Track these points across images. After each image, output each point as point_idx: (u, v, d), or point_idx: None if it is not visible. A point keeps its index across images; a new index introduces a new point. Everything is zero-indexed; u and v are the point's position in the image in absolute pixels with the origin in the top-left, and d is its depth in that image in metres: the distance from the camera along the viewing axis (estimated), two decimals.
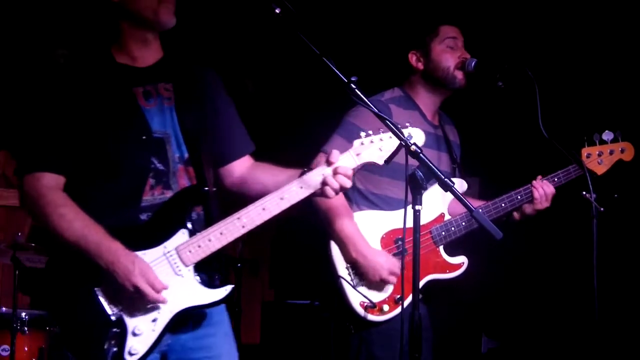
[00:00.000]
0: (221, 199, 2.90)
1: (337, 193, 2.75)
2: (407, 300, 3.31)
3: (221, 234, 2.70)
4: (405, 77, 3.68)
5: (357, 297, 3.33)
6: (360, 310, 3.33)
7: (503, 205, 3.53)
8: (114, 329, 2.61)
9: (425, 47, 3.59)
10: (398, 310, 3.36)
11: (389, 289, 3.38)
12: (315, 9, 4.54)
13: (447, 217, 3.51)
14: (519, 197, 3.54)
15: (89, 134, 2.70)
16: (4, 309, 4.56)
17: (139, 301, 2.63)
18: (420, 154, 2.63)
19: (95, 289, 2.63)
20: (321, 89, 4.52)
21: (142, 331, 2.63)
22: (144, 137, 2.74)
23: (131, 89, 2.78)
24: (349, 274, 3.35)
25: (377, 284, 3.36)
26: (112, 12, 2.80)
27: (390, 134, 2.73)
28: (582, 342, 4.12)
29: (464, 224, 3.47)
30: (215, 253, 2.73)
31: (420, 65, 3.61)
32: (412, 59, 3.62)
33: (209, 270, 2.78)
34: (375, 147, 2.79)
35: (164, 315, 2.65)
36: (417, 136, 2.68)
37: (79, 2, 4.55)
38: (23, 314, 4.41)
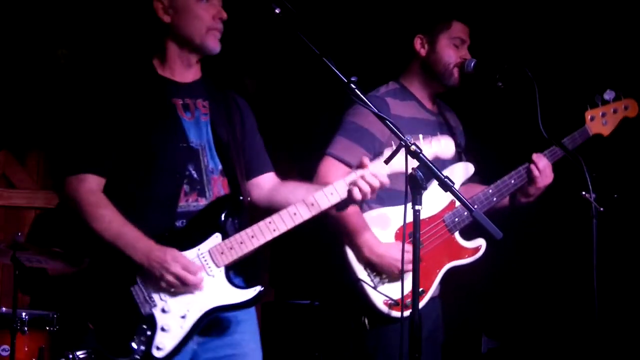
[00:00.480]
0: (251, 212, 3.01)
1: (364, 195, 2.83)
2: (428, 294, 3.42)
3: (253, 237, 2.82)
4: (404, 67, 3.66)
5: (379, 297, 3.34)
6: (385, 309, 3.35)
7: (498, 190, 3.51)
8: (144, 325, 2.73)
9: (433, 35, 3.58)
10: (421, 303, 3.38)
11: (409, 284, 3.37)
12: (315, 9, 4.54)
13: (458, 203, 3.50)
14: (512, 181, 3.53)
15: (129, 138, 2.82)
16: (4, 309, 4.55)
17: (176, 294, 2.74)
18: (420, 154, 2.63)
19: (132, 287, 2.77)
20: (321, 89, 4.52)
21: (171, 327, 2.74)
22: (181, 145, 2.86)
23: (171, 99, 2.91)
24: (368, 275, 3.36)
25: (398, 280, 3.36)
26: (160, 30, 2.92)
27: (419, 142, 2.82)
28: (582, 342, 4.12)
29: (475, 206, 3.47)
30: (246, 255, 2.83)
31: (423, 52, 3.60)
32: (417, 42, 3.60)
33: (240, 271, 2.91)
34: (403, 155, 2.83)
35: (193, 312, 2.77)
36: (447, 146, 2.82)
37: (125, 10, 4.59)
38: (23, 314, 4.40)
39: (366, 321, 3.38)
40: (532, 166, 3.49)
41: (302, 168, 3.57)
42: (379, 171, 2.86)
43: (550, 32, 5.05)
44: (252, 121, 3.16)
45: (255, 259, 2.92)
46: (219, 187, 2.92)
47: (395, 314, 3.34)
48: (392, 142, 2.75)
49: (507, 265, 5.24)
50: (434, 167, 2.65)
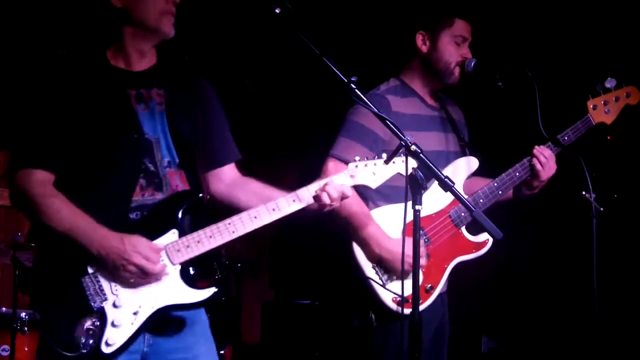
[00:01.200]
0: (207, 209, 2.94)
1: (327, 205, 2.79)
2: (437, 290, 3.42)
3: (211, 237, 2.75)
4: (405, 63, 3.66)
5: (388, 294, 3.34)
6: (394, 306, 3.33)
7: (503, 183, 3.50)
8: (94, 319, 2.65)
9: (434, 32, 3.57)
10: (430, 300, 3.38)
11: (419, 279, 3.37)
12: (315, 9, 4.54)
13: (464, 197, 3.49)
14: (517, 174, 3.52)
15: (82, 132, 2.75)
16: (4, 309, 4.56)
17: (128, 287, 2.67)
18: (421, 154, 2.63)
19: (82, 278, 2.68)
20: (321, 89, 4.52)
21: (122, 323, 2.66)
22: (135, 136, 2.79)
23: (125, 90, 2.83)
24: (377, 273, 3.36)
25: (407, 277, 3.36)
26: (114, 17, 2.85)
27: (385, 159, 2.83)
28: (582, 342, 4.12)
29: (481, 200, 3.47)
30: (203, 255, 2.77)
31: (424, 49, 3.59)
32: (419, 38, 3.59)
33: (196, 271, 2.82)
34: (369, 171, 2.87)
35: (145, 309, 2.69)
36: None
37: (77, 2, 4.57)
38: (23, 314, 4.41)
39: (373, 317, 3.38)
40: (535, 160, 3.49)
41: (303, 168, 3.56)
42: (343, 182, 2.84)
43: (550, 28, 5.05)
44: (216, 106, 3.04)
45: (211, 259, 2.89)
46: (176, 181, 2.84)
47: (407, 310, 3.34)
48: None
49: (507, 265, 5.24)
50: (434, 167, 2.64)
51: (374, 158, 2.88)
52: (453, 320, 3.64)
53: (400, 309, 3.31)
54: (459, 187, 3.47)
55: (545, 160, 3.48)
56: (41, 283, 2.71)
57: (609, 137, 3.63)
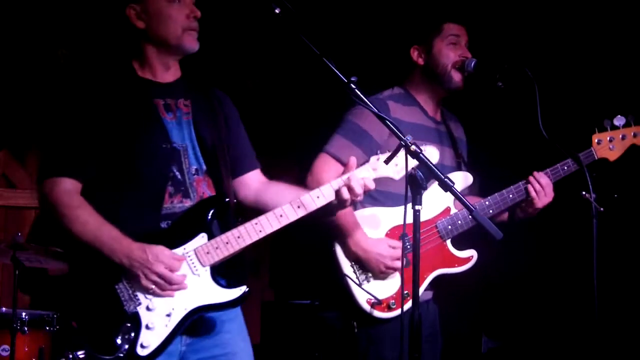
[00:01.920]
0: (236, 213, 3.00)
1: (351, 199, 2.86)
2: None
3: (239, 237, 2.81)
4: (406, 75, 3.68)
5: (363, 294, 3.33)
6: (367, 307, 3.33)
7: (495, 203, 3.51)
8: (129, 323, 2.72)
9: (427, 43, 3.59)
10: (405, 306, 3.36)
11: (396, 285, 3.37)
12: (315, 9, 4.54)
13: (454, 210, 3.50)
14: (510, 195, 3.52)
15: (111, 141, 2.80)
16: (4, 309, 4.55)
17: (157, 291, 2.72)
18: (421, 154, 2.64)
19: (116, 285, 2.75)
20: (321, 89, 4.52)
21: (156, 325, 2.72)
22: (164, 146, 2.85)
23: (152, 100, 2.89)
24: (354, 272, 3.36)
25: (384, 280, 3.36)
26: (136, 36, 2.91)
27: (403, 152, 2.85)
28: (582, 342, 4.12)
29: (470, 217, 3.46)
30: (232, 255, 2.82)
31: (421, 61, 3.61)
32: (414, 53, 3.62)
33: (226, 272, 2.89)
34: (392, 162, 2.90)
35: (178, 311, 2.75)
36: (430, 154, 2.80)
37: (101, 15, 4.60)
38: (23, 314, 4.40)
39: (355, 323, 3.38)
40: (530, 186, 3.48)
41: (302, 168, 3.56)
42: (365, 175, 2.88)
43: (551, 32, 5.05)
44: (236, 116, 3.13)
45: (241, 259, 2.92)
46: (203, 187, 2.91)
47: (378, 313, 3.34)
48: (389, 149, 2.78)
49: (507, 265, 5.24)
50: (434, 167, 2.65)
51: (386, 152, 2.89)
52: (453, 320, 3.64)
53: (373, 311, 3.32)
54: (451, 199, 3.48)
55: (540, 188, 3.48)
56: (77, 292, 2.77)
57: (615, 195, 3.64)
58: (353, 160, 2.90)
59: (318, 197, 2.86)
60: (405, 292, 3.34)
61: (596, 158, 3.56)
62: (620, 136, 3.58)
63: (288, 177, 3.22)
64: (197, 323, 2.82)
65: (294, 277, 6.28)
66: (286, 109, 6.20)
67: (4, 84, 5.34)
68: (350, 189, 2.84)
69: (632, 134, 3.59)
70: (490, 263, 3.58)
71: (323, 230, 3.40)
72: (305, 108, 6.05)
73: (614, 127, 3.58)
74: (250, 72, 6.04)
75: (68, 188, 2.78)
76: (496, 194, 3.52)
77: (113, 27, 3.00)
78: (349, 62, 2.90)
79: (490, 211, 3.48)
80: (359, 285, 3.33)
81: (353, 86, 2.69)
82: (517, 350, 5.27)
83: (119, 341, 2.70)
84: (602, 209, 3.39)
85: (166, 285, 2.73)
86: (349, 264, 3.36)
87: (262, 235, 2.83)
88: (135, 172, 2.80)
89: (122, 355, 2.69)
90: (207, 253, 2.79)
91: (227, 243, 2.80)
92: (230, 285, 2.84)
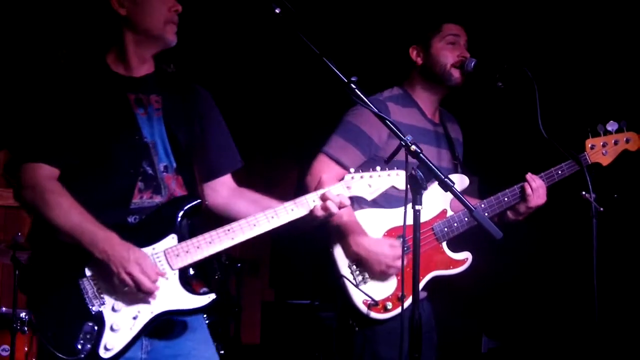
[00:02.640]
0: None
1: (324, 215, 2.84)
2: (409, 299, 3.35)
3: (210, 242, 2.76)
4: (406, 75, 3.68)
5: (359, 295, 3.33)
6: (364, 308, 3.33)
7: (493, 204, 3.51)
8: (92, 323, 2.63)
9: (426, 42, 3.60)
10: (399, 308, 3.36)
11: (393, 287, 3.37)
12: (315, 9, 4.54)
13: (450, 212, 3.50)
14: (505, 198, 3.53)
15: (82, 132, 2.75)
16: (4, 309, 4.55)
17: (128, 294, 2.65)
18: (421, 154, 2.64)
19: (80, 280, 2.66)
20: (321, 89, 4.52)
21: (120, 327, 2.65)
22: (136, 138, 2.80)
23: (125, 94, 2.85)
24: (352, 273, 3.36)
25: (381, 281, 3.36)
26: (117, 23, 2.86)
27: (379, 172, 2.90)
28: (582, 342, 4.12)
29: (466, 219, 3.46)
30: (201, 261, 2.77)
31: (420, 60, 3.61)
32: (413, 53, 3.63)
33: (194, 277, 2.82)
34: (364, 182, 2.91)
35: (144, 314, 2.68)
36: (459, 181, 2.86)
37: (79, 5, 4.57)
38: (23, 314, 4.40)
39: (354, 323, 3.38)
40: (526, 184, 3.49)
41: (302, 168, 3.56)
42: (340, 192, 2.87)
43: (551, 32, 5.05)
44: (214, 114, 3.06)
45: (210, 265, 2.89)
46: (173, 185, 2.85)
47: (374, 315, 3.33)
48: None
49: (507, 265, 5.24)
50: (434, 167, 2.65)
51: (369, 170, 2.92)
52: (453, 320, 3.64)
53: (370, 312, 3.32)
54: (447, 201, 3.49)
55: (535, 186, 3.48)
56: (37, 283, 2.69)
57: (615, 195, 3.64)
58: (325, 178, 2.89)
59: (292, 209, 2.83)
60: (401, 294, 3.34)
61: (589, 163, 3.58)
62: (613, 141, 3.60)
63: (287, 179, 3.22)
64: (161, 327, 2.74)
65: (294, 277, 6.28)
66: (286, 109, 6.21)
67: (4, 84, 5.34)
68: (324, 207, 2.83)
69: (625, 139, 3.62)
70: (490, 263, 3.58)
71: (322, 231, 3.39)
72: (305, 108, 6.05)
73: (607, 132, 3.61)
74: (250, 73, 6.04)
75: (48, 174, 2.73)
76: (492, 197, 3.53)
77: (93, 13, 2.95)
78: (349, 62, 2.90)
79: (486, 214, 3.49)
80: (356, 286, 3.33)
81: (353, 86, 2.69)
82: (517, 350, 5.28)
83: (80, 342, 2.60)
84: (602, 209, 3.39)
85: (135, 289, 2.64)
86: (347, 264, 3.36)
87: (233, 242, 2.78)
88: (106, 165, 2.74)
89: (83, 356, 2.59)
90: (177, 256, 2.72)
91: (198, 247, 2.74)
92: (198, 291, 2.77)
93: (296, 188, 3.19)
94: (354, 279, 3.35)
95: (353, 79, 2.69)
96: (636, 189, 4.55)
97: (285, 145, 6.33)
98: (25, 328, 4.38)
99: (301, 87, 5.88)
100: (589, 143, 3.60)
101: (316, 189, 2.88)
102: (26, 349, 4.42)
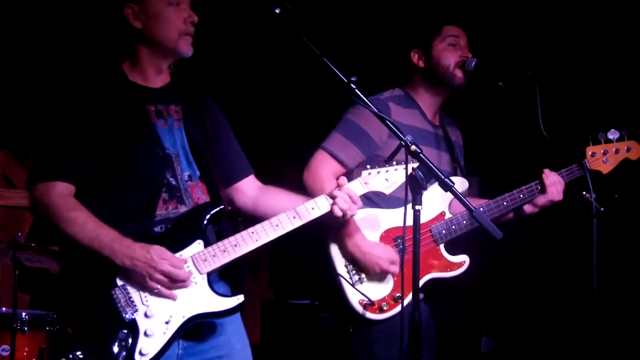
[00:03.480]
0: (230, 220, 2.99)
1: (345, 212, 2.89)
2: (407, 299, 3.30)
3: (236, 245, 2.80)
4: (407, 78, 3.68)
5: (356, 295, 3.33)
6: (359, 308, 3.33)
7: (505, 203, 3.52)
8: (126, 330, 2.68)
9: (427, 45, 3.60)
10: (397, 309, 3.36)
11: (389, 287, 3.37)
12: (315, 9, 4.54)
13: (448, 215, 3.50)
14: (521, 195, 3.53)
15: (104, 146, 2.77)
16: (4, 309, 4.54)
17: (160, 298, 2.70)
18: (421, 154, 2.64)
19: (112, 290, 2.71)
20: (322, 89, 4.52)
21: (154, 332, 2.69)
22: (157, 152, 2.82)
23: (144, 105, 2.86)
24: (348, 272, 3.35)
25: (378, 282, 3.36)
26: (131, 36, 2.88)
27: (395, 167, 2.93)
28: (582, 342, 4.12)
29: (465, 222, 3.46)
30: (229, 264, 2.81)
31: (422, 63, 3.61)
32: (414, 57, 3.63)
33: (223, 279, 2.89)
34: (381, 177, 2.96)
35: (176, 318, 2.73)
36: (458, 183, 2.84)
37: (94, 16, 4.58)
38: (23, 314, 4.40)
39: (350, 325, 3.38)
40: (544, 176, 3.50)
41: (304, 168, 3.56)
42: (357, 189, 2.92)
43: (551, 32, 5.05)
44: (224, 122, 3.11)
45: (238, 267, 2.91)
46: (198, 193, 2.88)
47: (370, 315, 3.33)
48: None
49: (507, 265, 5.24)
50: (434, 168, 2.65)
51: (375, 167, 2.95)
52: (453, 320, 3.64)
53: (366, 312, 3.32)
54: (446, 204, 3.49)
55: (553, 180, 3.48)
56: (70, 295, 2.72)
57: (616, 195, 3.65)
58: (342, 178, 2.93)
59: (313, 208, 2.88)
60: (397, 295, 3.34)
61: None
62: (614, 150, 3.61)
63: (287, 179, 3.22)
64: (194, 327, 2.80)
65: (294, 277, 6.28)
66: (286, 109, 6.20)
67: (4, 84, 5.34)
68: (345, 203, 2.88)
69: (626, 148, 3.63)
70: (490, 263, 3.58)
71: (320, 230, 3.39)
72: (305, 108, 6.04)
73: (608, 141, 3.61)
74: (250, 73, 6.03)
75: (62, 191, 2.74)
76: (506, 194, 3.52)
77: (108, 26, 2.96)
78: (349, 62, 2.90)
79: (505, 203, 3.49)
80: (352, 285, 3.33)
81: (353, 86, 2.69)
82: (517, 350, 5.27)
83: (116, 349, 2.66)
84: (602, 209, 3.39)
85: (171, 283, 2.70)
86: (343, 263, 3.36)
87: (258, 244, 2.83)
88: (129, 179, 2.77)
89: None
90: (204, 260, 2.77)
91: (224, 251, 2.78)
92: (227, 293, 2.83)
93: (299, 189, 3.19)
94: (350, 278, 3.34)
95: (353, 79, 2.69)
96: (636, 189, 4.55)
97: (286, 146, 6.32)
98: (25, 328, 4.38)
99: (301, 87, 5.88)
100: (589, 150, 3.61)
101: (337, 185, 2.91)
102: (26, 349, 4.41)
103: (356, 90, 2.70)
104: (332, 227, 3.35)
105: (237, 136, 3.13)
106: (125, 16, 2.85)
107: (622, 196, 3.69)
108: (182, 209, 2.83)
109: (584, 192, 3.41)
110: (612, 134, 3.61)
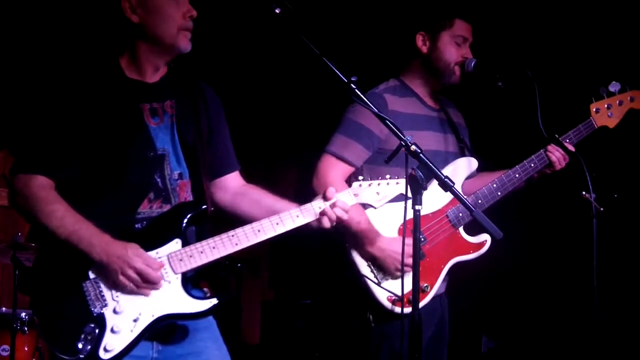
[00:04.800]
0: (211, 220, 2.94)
1: (333, 224, 2.82)
2: (433, 290, 3.40)
3: (214, 248, 2.75)
4: (405, 64, 3.66)
5: (383, 293, 3.33)
6: (388, 304, 3.33)
7: (517, 176, 3.51)
8: (93, 324, 2.64)
9: (435, 33, 3.57)
10: (426, 299, 3.37)
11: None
12: (315, 9, 4.54)
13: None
14: (532, 165, 3.52)
15: (92, 144, 2.73)
16: (4, 309, 4.55)
17: (130, 295, 2.66)
18: (421, 154, 2.64)
19: (83, 283, 2.67)
20: (321, 89, 4.52)
21: (121, 329, 2.65)
22: (147, 153, 2.78)
23: (138, 105, 2.82)
24: (372, 272, 3.35)
25: (399, 276, 3.35)
26: (129, 31, 2.83)
27: (388, 180, 2.86)
28: (582, 342, 4.12)
29: (479, 202, 3.46)
30: (205, 266, 2.76)
31: (424, 49, 3.59)
32: (419, 39, 3.59)
33: (197, 281, 2.83)
34: (372, 190, 2.89)
35: (145, 317, 2.68)
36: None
37: (92, 10, 4.57)
38: (23, 314, 4.41)
39: (371, 317, 3.38)
40: (549, 154, 3.51)
41: (302, 168, 3.56)
42: (346, 200, 2.85)
43: (551, 32, 5.05)
44: (220, 114, 3.05)
45: (218, 270, 2.88)
46: (187, 192, 2.86)
47: (400, 310, 3.33)
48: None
49: (507, 265, 5.24)
50: (434, 167, 2.65)
51: (378, 178, 2.90)
52: (453, 320, 3.64)
53: (395, 307, 3.32)
54: (458, 186, 3.47)
55: (559, 155, 3.50)
56: (41, 285, 2.69)
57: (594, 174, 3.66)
58: (332, 190, 2.85)
59: (297, 216, 2.81)
60: (425, 285, 3.35)
61: (596, 127, 3.58)
62: (618, 102, 3.58)
63: (287, 179, 3.22)
64: (169, 330, 2.75)
65: (294, 277, 6.29)
66: (286, 109, 6.21)
67: (4, 84, 5.34)
68: (331, 215, 2.80)
69: (629, 98, 3.60)
70: (490, 263, 3.58)
71: (332, 233, 3.39)
72: (305, 108, 6.05)
73: (610, 94, 3.59)
74: (249, 73, 6.04)
75: (43, 184, 2.71)
76: (517, 165, 3.52)
77: (105, 20, 2.93)
78: (349, 63, 2.90)
79: (517, 175, 3.50)
80: (378, 284, 3.33)
81: (353, 86, 2.69)
82: (517, 350, 5.28)
83: (81, 342, 2.61)
84: (602, 209, 3.39)
85: (141, 282, 2.66)
86: (366, 264, 3.36)
87: (237, 248, 2.78)
88: (117, 180, 2.74)
89: (83, 356, 2.60)
90: (180, 260, 2.72)
91: (201, 252, 2.74)
92: (200, 295, 2.78)
93: (296, 188, 3.19)
94: (375, 277, 3.35)
95: (353, 79, 2.68)
96: (636, 189, 4.55)
97: (285, 146, 6.33)
98: (25, 328, 4.38)
99: (301, 87, 5.88)
100: (593, 107, 3.58)
101: (323, 195, 2.85)
102: (26, 349, 4.42)
103: (356, 90, 2.70)
104: (347, 230, 3.34)
105: (234, 137, 3.09)
106: (123, 10, 2.79)
107: (622, 196, 3.69)
108: (167, 207, 2.80)
109: (584, 192, 3.40)
110: (614, 87, 3.58)
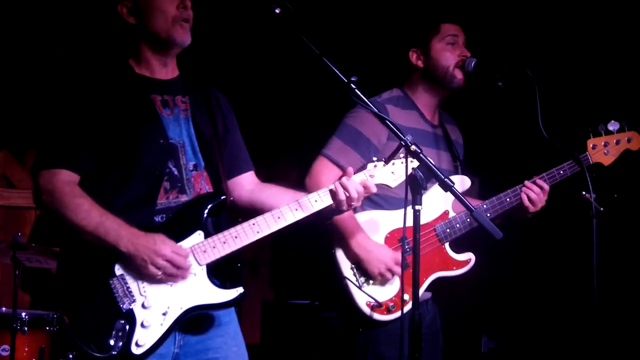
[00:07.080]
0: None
1: (349, 205, 2.87)
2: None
3: (236, 237, 2.79)
4: (406, 77, 3.68)
5: (363, 297, 3.33)
6: (367, 310, 3.33)
7: (488, 215, 3.50)
8: (123, 321, 2.68)
9: (425, 44, 3.59)
10: (405, 309, 3.36)
11: (395, 288, 3.37)
12: (315, 9, 4.54)
13: (452, 214, 3.50)
14: (507, 199, 3.52)
15: (107, 135, 2.79)
16: (4, 309, 4.54)
17: (158, 289, 2.69)
18: (421, 154, 2.64)
19: (110, 280, 2.71)
20: (321, 89, 4.52)
21: (151, 323, 2.69)
22: (161, 142, 2.83)
23: (149, 95, 2.88)
24: (354, 275, 3.35)
25: (383, 282, 3.36)
26: (130, 33, 2.91)
27: (402, 160, 2.89)
28: (582, 342, 4.12)
29: (469, 220, 3.46)
30: (228, 255, 2.80)
31: (420, 63, 3.60)
32: (413, 56, 3.62)
33: (222, 271, 2.85)
34: (387, 169, 2.94)
35: (174, 310, 2.72)
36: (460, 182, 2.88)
37: (97, 15, 4.58)
38: (23, 314, 4.40)
39: (358, 324, 3.38)
40: (523, 195, 3.48)
41: (303, 168, 3.56)
42: (365, 181, 2.90)
43: (551, 32, 5.05)
44: (233, 117, 3.12)
45: (237, 259, 2.91)
46: (201, 183, 2.89)
47: (377, 316, 3.33)
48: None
49: (507, 265, 5.24)
50: (434, 168, 2.65)
51: (382, 160, 2.93)
52: (453, 320, 3.64)
53: (373, 314, 3.32)
54: (449, 202, 3.49)
55: (535, 196, 3.48)
56: (69, 287, 2.72)
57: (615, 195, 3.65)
58: (350, 169, 2.91)
59: (316, 200, 2.87)
60: (406, 295, 3.34)
61: (591, 162, 3.59)
62: (615, 141, 3.61)
63: (287, 179, 3.23)
64: (192, 325, 2.80)
65: (294, 277, 6.28)
66: (286, 109, 6.20)
67: (4, 84, 5.34)
68: (348, 197, 2.85)
69: (626, 139, 3.62)
70: (490, 263, 3.58)
71: (323, 232, 3.39)
72: (305, 108, 6.05)
73: (609, 132, 3.61)
74: (249, 73, 6.04)
75: (67, 179, 2.75)
76: (494, 197, 3.52)
77: (109, 25, 2.98)
78: (349, 63, 2.90)
79: (488, 214, 3.48)
80: (359, 287, 3.33)
81: (353, 86, 2.69)
82: (517, 350, 5.27)
83: (112, 339, 2.65)
84: (602, 209, 3.39)
85: (173, 269, 2.68)
86: (350, 266, 3.36)
87: (259, 236, 2.82)
88: (131, 167, 2.77)
89: (115, 353, 2.64)
90: (204, 252, 2.77)
91: (224, 242, 2.78)
92: (225, 285, 2.81)
93: (297, 188, 3.19)
94: (357, 280, 3.35)
95: (353, 79, 2.69)
96: (636, 189, 4.55)
97: (285, 145, 6.32)
98: (25, 328, 4.37)
99: (301, 87, 5.88)
100: (590, 143, 3.60)
101: (340, 178, 2.89)
102: (26, 348, 4.41)
103: (356, 90, 2.70)
104: (336, 231, 3.35)
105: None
106: (120, 14, 2.88)
107: (622, 196, 3.69)
108: (184, 198, 2.83)
109: (584, 192, 3.40)
110: (612, 125, 3.60)
